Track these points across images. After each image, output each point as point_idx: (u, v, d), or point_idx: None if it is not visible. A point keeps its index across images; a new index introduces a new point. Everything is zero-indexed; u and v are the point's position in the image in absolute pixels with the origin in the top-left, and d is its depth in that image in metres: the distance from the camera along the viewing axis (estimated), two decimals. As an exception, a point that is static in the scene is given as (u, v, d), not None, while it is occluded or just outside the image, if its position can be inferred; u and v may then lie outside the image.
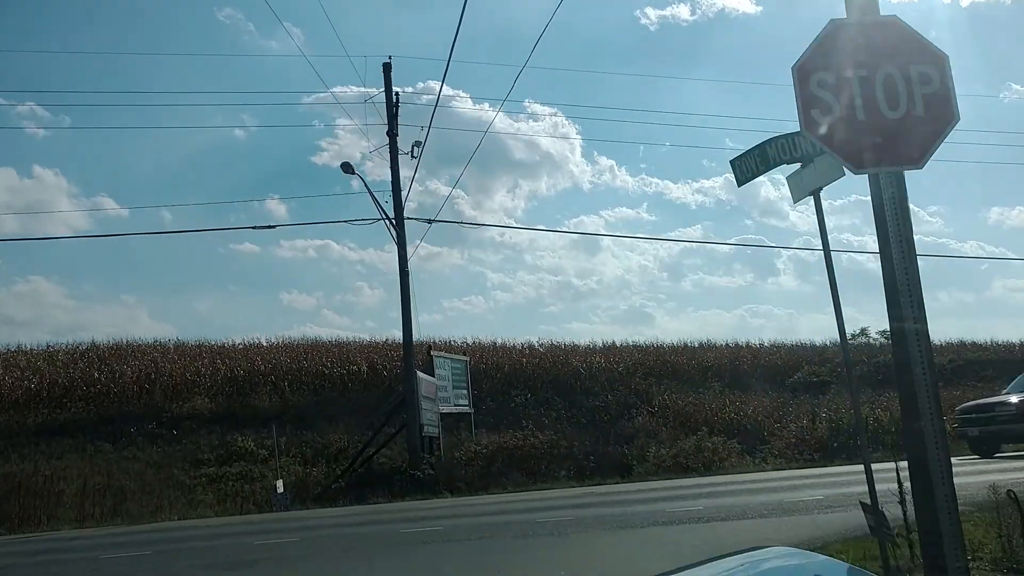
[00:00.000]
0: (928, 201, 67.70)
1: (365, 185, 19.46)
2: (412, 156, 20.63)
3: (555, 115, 56.27)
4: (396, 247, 20.47)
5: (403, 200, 20.52)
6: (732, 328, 59.38)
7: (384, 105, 20.81)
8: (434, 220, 20.83)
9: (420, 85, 46.95)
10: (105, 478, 20.11)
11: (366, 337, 33.32)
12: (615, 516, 10.16)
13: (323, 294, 50.45)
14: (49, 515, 17.31)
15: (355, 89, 51.67)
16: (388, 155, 20.68)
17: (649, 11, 53.39)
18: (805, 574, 1.95)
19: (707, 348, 36.93)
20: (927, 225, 57.89)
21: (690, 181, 60.15)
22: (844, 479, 12.56)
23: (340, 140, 54.66)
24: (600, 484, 17.71)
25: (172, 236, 48.60)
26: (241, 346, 30.93)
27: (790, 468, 19.21)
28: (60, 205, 48.94)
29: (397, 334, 31.99)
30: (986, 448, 18.96)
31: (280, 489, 17.57)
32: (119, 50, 51.45)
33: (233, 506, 18.27)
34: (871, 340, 36.31)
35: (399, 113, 20.74)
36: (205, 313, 43.99)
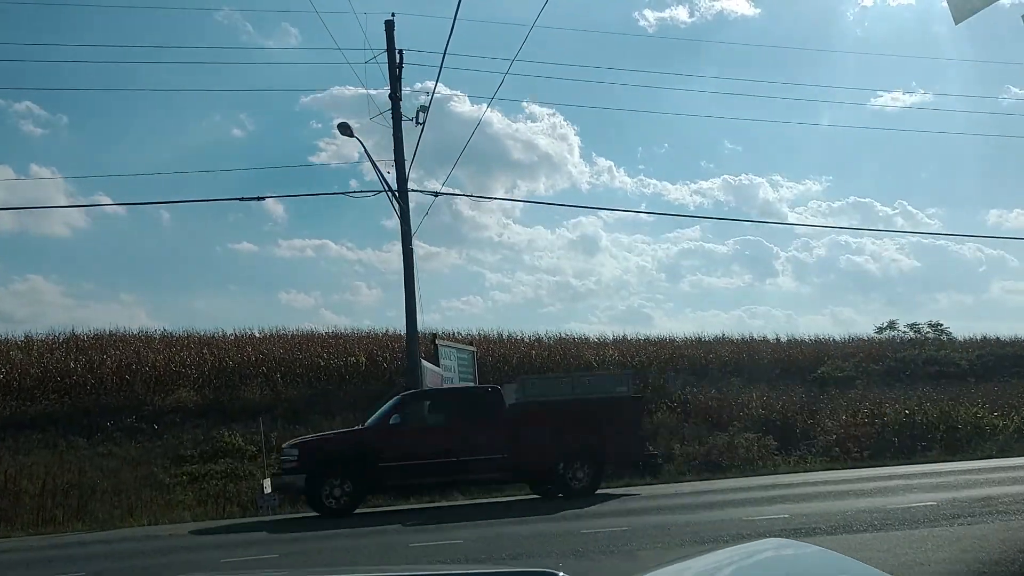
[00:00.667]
0: (927, 203, 66.92)
1: (366, 152, 17.44)
2: (416, 123, 18.67)
3: (553, 115, 55.13)
4: (399, 222, 18.44)
5: (407, 170, 18.51)
6: (731, 329, 58.03)
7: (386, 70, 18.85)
8: (440, 192, 18.84)
9: (418, 85, 44.99)
10: (75, 476, 18.09)
11: (365, 329, 31.15)
12: (684, 526, 8.16)
13: (321, 294, 49.30)
14: (4, 517, 15.28)
15: (352, 89, 49.91)
16: (391, 121, 18.66)
17: (647, 13, 52.03)
18: (801, 564, 1.94)
19: (722, 342, 35.18)
20: (926, 227, 56.47)
21: (688, 182, 59.39)
22: (941, 480, 10.61)
23: (337, 140, 53.22)
24: (631, 484, 15.63)
25: (170, 236, 46.62)
26: (232, 337, 28.84)
27: (842, 468, 17.16)
28: (57, 202, 47.53)
29: (397, 327, 30.24)
30: (337, 508, 13.22)
31: (268, 489, 15.52)
32: (115, 51, 49.99)
33: (215, 508, 16.26)
34: (899, 333, 34.37)
35: (402, 76, 18.74)
36: (204, 312, 42.43)
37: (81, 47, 49.21)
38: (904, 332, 34.33)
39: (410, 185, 18.31)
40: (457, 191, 51.69)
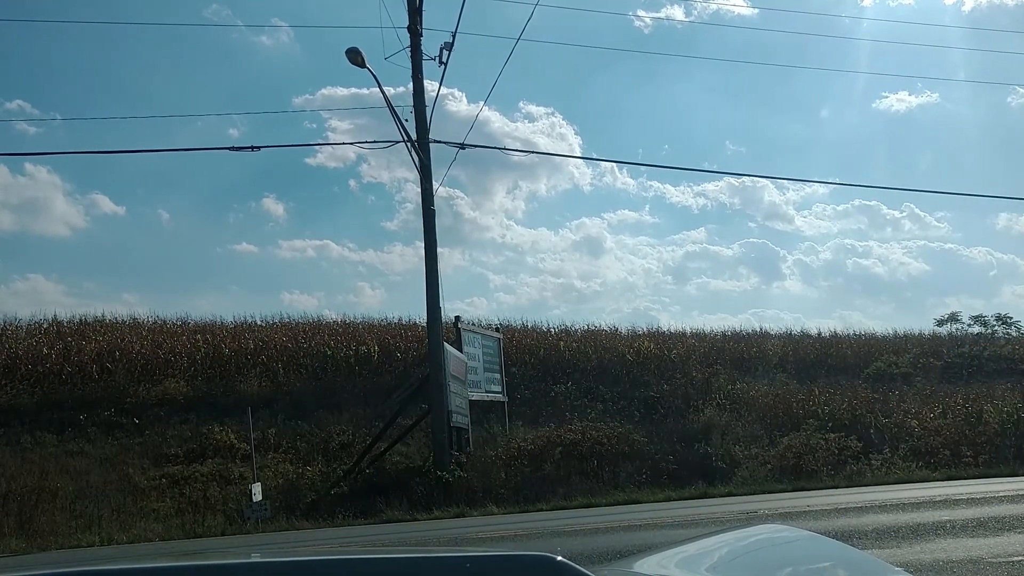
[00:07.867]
0: (935, 206, 65.19)
1: (380, 89, 14.60)
2: (440, 62, 15.84)
3: (552, 114, 53.15)
4: (419, 178, 15.57)
5: (428, 118, 15.66)
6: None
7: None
8: (465, 145, 15.92)
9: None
10: (36, 479, 15.30)
11: (376, 317, 28.28)
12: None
13: (324, 295, 47.20)
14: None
15: (345, 90, 47.43)
16: (409, 61, 15.82)
17: (642, 13, 49.76)
18: (795, 548, 2.00)
19: (762, 336, 32.69)
20: (934, 230, 54.89)
21: (692, 184, 57.14)
22: None
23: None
24: (704, 495, 12.70)
25: (171, 236, 44.73)
26: (231, 324, 26.00)
27: (964, 476, 14.12)
28: (55, 202, 46.10)
29: (408, 317, 27.44)
30: None
31: (257, 496, 12.68)
32: (112, 51, 48.18)
33: (194, 519, 13.48)
34: (963, 326, 31.27)
35: (423, 7, 15.90)
36: (207, 312, 40.30)
37: (73, 49, 47.09)
38: (968, 325, 31.29)
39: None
40: (455, 206, 48.87)
